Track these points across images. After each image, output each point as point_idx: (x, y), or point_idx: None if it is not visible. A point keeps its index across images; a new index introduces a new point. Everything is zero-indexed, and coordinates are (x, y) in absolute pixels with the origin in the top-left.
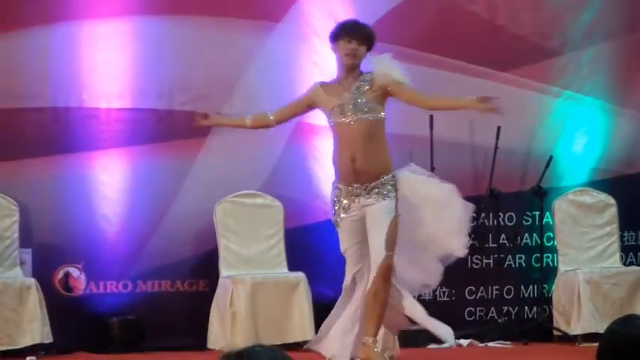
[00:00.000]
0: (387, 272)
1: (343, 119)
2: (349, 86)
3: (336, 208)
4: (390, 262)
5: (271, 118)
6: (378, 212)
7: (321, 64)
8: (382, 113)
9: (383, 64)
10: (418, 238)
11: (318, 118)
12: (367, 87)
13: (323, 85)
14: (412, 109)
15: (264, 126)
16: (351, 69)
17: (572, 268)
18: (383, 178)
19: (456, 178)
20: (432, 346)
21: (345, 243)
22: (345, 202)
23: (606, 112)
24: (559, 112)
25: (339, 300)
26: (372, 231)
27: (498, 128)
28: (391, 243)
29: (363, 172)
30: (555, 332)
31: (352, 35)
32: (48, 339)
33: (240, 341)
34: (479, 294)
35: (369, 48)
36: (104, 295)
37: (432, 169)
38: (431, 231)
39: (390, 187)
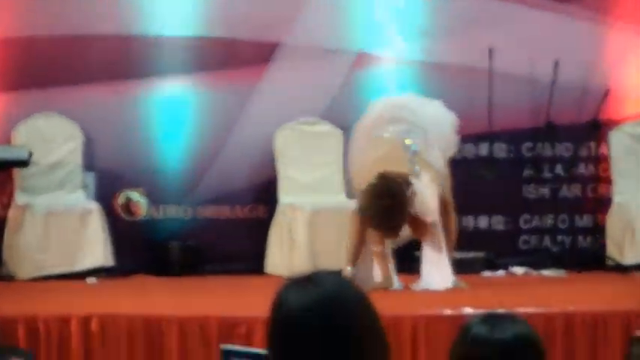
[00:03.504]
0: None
1: None
2: None
3: None
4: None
5: None
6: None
7: None
8: None
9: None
10: None
11: (379, 49)
12: None
13: None
14: (471, 41)
15: None
16: None
17: (626, 198)
18: None
19: (513, 110)
20: (487, 273)
21: None
22: None
23: None
24: (616, 44)
25: None
26: None
27: (556, 61)
28: None
29: None
30: (609, 262)
31: None
32: (109, 262)
33: (299, 267)
34: (533, 223)
35: None
36: (164, 220)
37: (490, 102)
38: None
39: None
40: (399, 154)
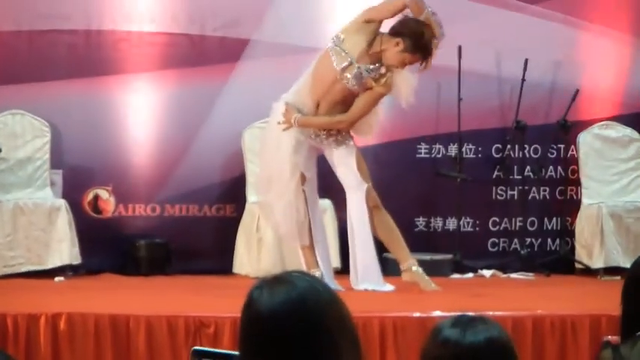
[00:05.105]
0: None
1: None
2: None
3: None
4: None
5: None
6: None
7: None
8: None
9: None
10: None
11: None
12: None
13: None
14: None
15: None
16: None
17: (595, 201)
18: None
19: (482, 110)
20: (455, 275)
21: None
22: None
23: (633, 45)
24: (586, 45)
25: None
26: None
27: (526, 60)
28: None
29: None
30: (577, 265)
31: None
32: (76, 260)
33: (266, 267)
34: (502, 225)
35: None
36: (132, 218)
37: (459, 100)
38: None
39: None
40: None
